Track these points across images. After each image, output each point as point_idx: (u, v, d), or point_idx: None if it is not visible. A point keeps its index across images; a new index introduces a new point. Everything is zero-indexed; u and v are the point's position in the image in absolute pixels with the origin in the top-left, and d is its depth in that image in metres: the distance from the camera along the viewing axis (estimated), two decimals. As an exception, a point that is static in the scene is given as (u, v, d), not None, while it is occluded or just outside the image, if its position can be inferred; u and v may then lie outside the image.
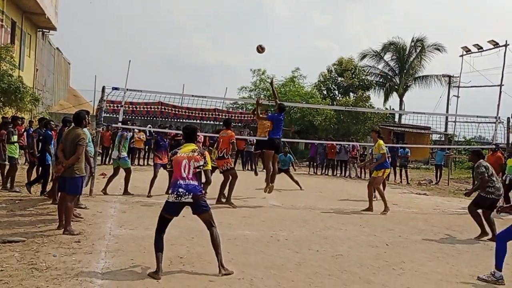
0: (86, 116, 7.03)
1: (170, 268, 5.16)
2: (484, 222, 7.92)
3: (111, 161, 13.07)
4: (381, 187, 10.52)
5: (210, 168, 5.36)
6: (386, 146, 10.37)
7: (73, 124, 7.07)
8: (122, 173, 10.71)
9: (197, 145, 5.42)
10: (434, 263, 6.11)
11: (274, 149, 10.10)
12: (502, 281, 5.35)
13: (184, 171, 5.09)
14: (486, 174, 7.84)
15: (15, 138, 10.29)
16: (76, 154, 6.57)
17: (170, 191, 5.13)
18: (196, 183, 5.13)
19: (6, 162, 10.32)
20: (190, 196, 5.03)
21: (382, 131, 11.63)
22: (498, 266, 5.42)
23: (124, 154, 10.95)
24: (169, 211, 5.14)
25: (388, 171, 10.57)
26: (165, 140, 11.68)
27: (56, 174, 7.01)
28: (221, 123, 26.01)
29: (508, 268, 5.67)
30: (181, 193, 5.02)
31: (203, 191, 5.29)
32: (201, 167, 5.20)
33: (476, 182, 8.35)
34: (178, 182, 5.07)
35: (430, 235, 7.96)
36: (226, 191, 9.90)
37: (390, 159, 10.48)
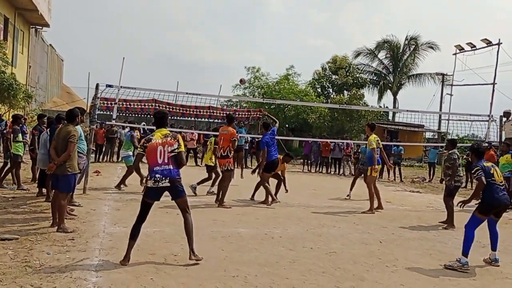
0: (80, 113, 7.01)
1: (164, 265, 5.17)
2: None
3: (120, 158, 13.63)
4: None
5: (183, 150, 5.47)
6: (378, 141, 10.04)
7: (65, 121, 7.04)
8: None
9: (168, 130, 5.53)
10: (427, 260, 6.15)
11: (274, 170, 10.09)
12: (467, 266, 5.66)
13: (160, 157, 5.24)
14: (458, 163, 8.69)
15: (20, 137, 10.24)
16: (67, 151, 6.53)
17: (148, 177, 5.28)
18: (171, 167, 5.27)
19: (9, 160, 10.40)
20: (167, 181, 5.21)
21: (376, 129, 11.56)
22: (465, 252, 5.76)
23: (130, 152, 11.57)
24: (149, 196, 5.32)
25: (378, 167, 10.26)
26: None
27: (48, 172, 6.98)
28: (216, 120, 26.14)
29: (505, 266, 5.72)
30: (158, 179, 5.19)
31: (180, 176, 5.40)
32: (176, 150, 5.31)
33: (446, 171, 8.93)
34: (154, 168, 5.23)
35: (423, 233, 8.02)
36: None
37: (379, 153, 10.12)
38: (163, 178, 5.20)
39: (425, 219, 9.46)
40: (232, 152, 9.61)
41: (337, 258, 5.97)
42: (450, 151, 8.98)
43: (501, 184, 6.06)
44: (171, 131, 5.53)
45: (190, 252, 5.30)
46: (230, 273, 5.05)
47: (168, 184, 5.22)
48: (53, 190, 7.13)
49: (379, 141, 10.21)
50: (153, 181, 5.21)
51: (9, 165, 10.34)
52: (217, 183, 10.08)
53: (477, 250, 6.85)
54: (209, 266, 5.26)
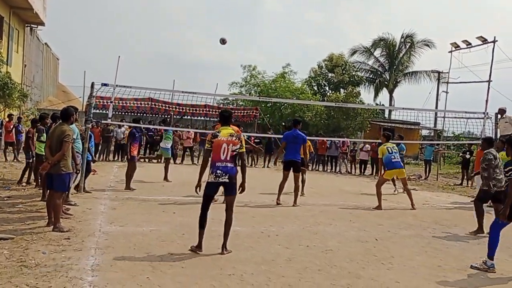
0: (75, 112, 6.97)
1: (160, 264, 5.16)
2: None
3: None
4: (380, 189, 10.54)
5: (245, 151, 5.91)
6: (389, 148, 10.52)
7: (60, 120, 7.01)
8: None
9: (232, 128, 5.99)
10: (423, 257, 6.17)
11: (287, 169, 10.15)
12: (493, 268, 5.58)
13: (223, 154, 5.65)
14: (494, 164, 7.75)
15: (44, 137, 10.21)
16: (62, 151, 6.50)
17: (210, 172, 5.70)
18: (232, 165, 5.70)
19: (30, 160, 10.57)
20: (226, 177, 5.65)
21: (372, 127, 11.72)
22: (490, 254, 5.65)
23: (168, 145, 12.97)
24: (209, 190, 5.76)
25: (392, 172, 10.59)
26: (139, 131, 11.53)
27: (42, 171, 6.95)
28: (212, 119, 26.10)
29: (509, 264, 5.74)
30: (219, 174, 5.64)
31: (236, 175, 5.78)
32: (237, 150, 5.72)
33: (482, 173, 7.94)
34: (216, 164, 5.66)
35: (419, 230, 8.04)
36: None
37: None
38: (223, 174, 5.64)
39: (421, 216, 9.48)
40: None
41: (333, 256, 5.99)
42: (485, 151, 8.07)
43: None
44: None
45: (222, 247, 5.70)
46: (226, 271, 5.05)
47: (227, 180, 5.66)
48: (48, 190, 7.10)
49: (394, 147, 10.70)
50: (214, 176, 5.65)
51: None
52: None
53: (471, 248, 6.89)
54: (205, 264, 5.26)
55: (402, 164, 10.91)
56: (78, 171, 8.87)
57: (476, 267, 5.67)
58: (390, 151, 10.52)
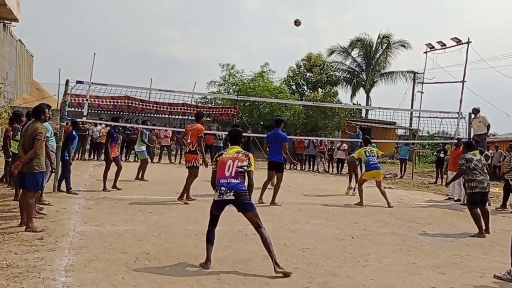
0: (47, 109, 6.81)
1: (136, 264, 5.10)
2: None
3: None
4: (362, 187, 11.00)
5: (253, 170, 5.48)
6: (366, 152, 11.13)
7: (33, 118, 6.85)
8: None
9: (241, 147, 5.62)
10: (397, 255, 6.26)
11: (270, 169, 10.29)
12: None
13: (228, 171, 5.27)
14: (465, 167, 7.96)
15: (19, 135, 9.95)
16: (34, 149, 6.35)
17: (215, 190, 5.34)
18: (237, 181, 5.25)
19: (10, 159, 10.14)
20: (231, 194, 5.18)
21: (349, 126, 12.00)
22: None
23: (143, 148, 13.15)
24: (215, 208, 5.36)
25: (371, 172, 10.99)
26: (117, 130, 11.38)
27: (14, 170, 6.79)
28: (190, 117, 25.96)
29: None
30: (223, 191, 5.19)
31: (246, 190, 5.33)
32: (245, 167, 5.34)
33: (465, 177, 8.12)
34: (220, 181, 5.27)
35: (394, 228, 8.16)
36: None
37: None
38: (228, 191, 5.18)
39: (396, 214, 9.62)
40: (200, 148, 9.57)
41: (310, 254, 6.02)
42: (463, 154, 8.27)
43: None
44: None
45: (274, 265, 5.06)
46: (203, 270, 5.03)
47: (233, 197, 5.18)
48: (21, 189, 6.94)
49: (371, 150, 11.20)
50: (218, 194, 5.24)
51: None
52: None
53: (445, 245, 7.02)
54: (182, 264, 5.23)
55: (379, 165, 11.21)
56: (54, 170, 8.71)
57: (500, 277, 5.34)
58: (368, 154, 11.04)
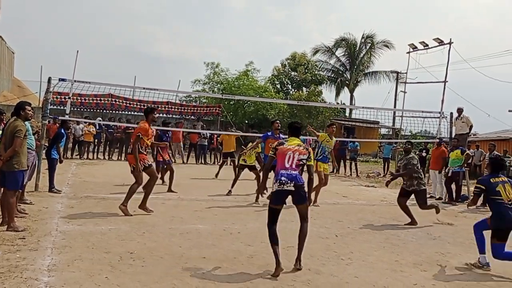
0: (27, 107, 6.69)
1: (120, 263, 5.07)
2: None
3: None
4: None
5: (313, 164, 5.57)
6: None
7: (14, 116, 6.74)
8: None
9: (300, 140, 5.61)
10: (380, 252, 6.34)
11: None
12: (488, 267, 5.70)
13: (288, 162, 5.31)
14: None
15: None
16: (13, 146, 6.24)
17: (274, 181, 5.33)
18: (297, 173, 5.31)
19: None
20: (292, 184, 5.22)
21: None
22: (481, 250, 5.82)
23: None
24: (275, 201, 5.33)
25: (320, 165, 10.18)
26: (167, 135, 11.20)
27: None
28: (174, 116, 25.83)
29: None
30: (283, 181, 5.23)
31: (304, 183, 5.38)
32: (305, 160, 5.39)
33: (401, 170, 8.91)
34: (280, 172, 5.29)
35: (377, 226, 8.25)
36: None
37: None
38: (288, 182, 5.22)
39: (379, 213, 9.73)
40: (146, 149, 8.40)
41: (295, 252, 5.98)
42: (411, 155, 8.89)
43: (510, 203, 5.76)
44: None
45: (296, 260, 5.28)
46: (187, 269, 5.02)
47: (293, 188, 5.23)
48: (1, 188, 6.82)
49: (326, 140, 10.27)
50: (278, 184, 5.25)
51: None
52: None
53: (427, 243, 7.13)
54: (166, 263, 5.22)
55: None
56: (28, 167, 8.58)
57: (472, 264, 5.82)
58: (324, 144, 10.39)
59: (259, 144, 11.08)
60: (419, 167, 8.83)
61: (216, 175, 14.30)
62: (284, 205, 5.44)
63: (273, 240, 5.24)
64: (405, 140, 11.54)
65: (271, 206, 5.39)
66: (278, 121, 10.52)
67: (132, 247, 5.76)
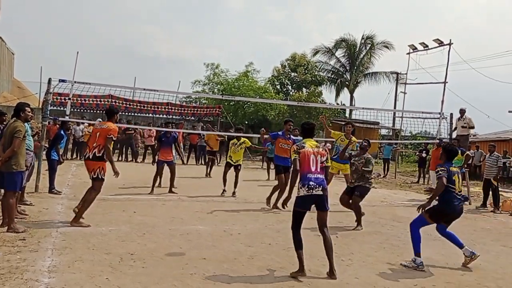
0: (27, 108, 6.69)
1: (120, 264, 5.07)
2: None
3: None
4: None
5: (330, 165, 5.37)
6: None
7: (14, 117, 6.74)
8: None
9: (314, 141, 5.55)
10: (381, 253, 6.34)
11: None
12: (422, 267, 5.69)
13: (313, 166, 5.23)
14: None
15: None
16: (11, 147, 6.24)
17: (300, 185, 5.20)
18: (323, 176, 5.28)
19: None
20: (320, 189, 5.16)
21: (333, 126, 11.83)
22: (416, 251, 5.82)
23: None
24: (302, 205, 5.22)
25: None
26: (168, 136, 11.08)
27: None
28: (174, 117, 25.83)
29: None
30: (312, 186, 5.13)
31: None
32: (325, 162, 5.37)
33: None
34: (308, 176, 5.19)
35: (377, 227, 8.25)
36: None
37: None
38: (317, 186, 5.15)
39: (379, 213, 9.73)
40: (108, 154, 7.17)
41: (295, 253, 6.04)
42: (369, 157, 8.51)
43: (459, 194, 5.98)
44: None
45: (331, 271, 5.14)
46: (188, 270, 5.02)
47: (321, 193, 5.17)
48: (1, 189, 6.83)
49: (340, 139, 10.37)
50: (306, 189, 5.14)
51: None
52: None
53: (427, 243, 7.12)
54: (166, 264, 5.22)
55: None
56: (27, 168, 8.58)
57: (405, 266, 5.76)
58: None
59: (266, 143, 10.79)
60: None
61: (207, 174, 15.02)
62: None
63: (298, 245, 5.19)
64: (405, 141, 11.55)
65: (298, 209, 5.26)
66: (291, 122, 9.96)
67: (132, 248, 5.76)
